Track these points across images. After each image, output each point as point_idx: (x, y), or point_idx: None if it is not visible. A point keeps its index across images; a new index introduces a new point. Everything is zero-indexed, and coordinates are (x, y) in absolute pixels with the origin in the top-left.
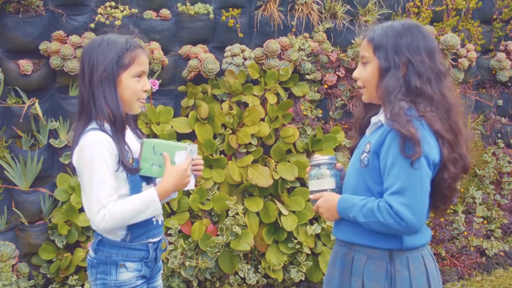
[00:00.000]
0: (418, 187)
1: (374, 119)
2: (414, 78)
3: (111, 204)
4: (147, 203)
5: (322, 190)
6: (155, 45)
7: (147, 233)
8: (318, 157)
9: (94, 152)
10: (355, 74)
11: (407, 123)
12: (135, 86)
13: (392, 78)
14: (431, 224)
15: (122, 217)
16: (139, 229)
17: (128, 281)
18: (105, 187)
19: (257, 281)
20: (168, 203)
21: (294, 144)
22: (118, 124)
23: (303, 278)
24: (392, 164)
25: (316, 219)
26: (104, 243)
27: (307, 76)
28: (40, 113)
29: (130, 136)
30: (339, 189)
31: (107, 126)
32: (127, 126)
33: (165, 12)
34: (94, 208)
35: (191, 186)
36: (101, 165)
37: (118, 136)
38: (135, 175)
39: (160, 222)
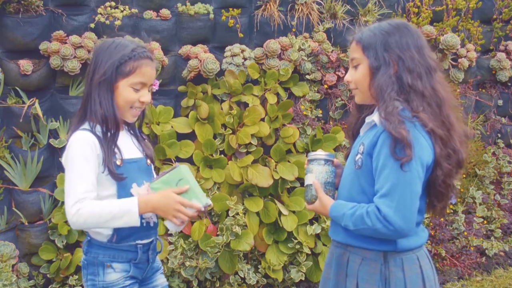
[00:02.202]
0: (407, 190)
1: (367, 119)
2: (405, 74)
3: (88, 201)
4: (123, 210)
5: (307, 185)
6: (155, 45)
7: (134, 235)
8: (312, 153)
9: (76, 149)
10: (346, 77)
11: (399, 124)
12: (129, 96)
13: (384, 75)
14: (431, 224)
15: (96, 218)
16: (125, 230)
17: (116, 282)
18: (83, 182)
19: (257, 281)
20: None
21: (294, 144)
22: (110, 127)
23: (303, 278)
24: (383, 166)
25: (316, 219)
26: (92, 244)
27: (307, 76)
28: (40, 113)
29: (124, 136)
30: (330, 187)
31: (98, 128)
32: (124, 126)
33: (165, 12)
34: (70, 201)
35: (177, 228)
36: (81, 161)
37: (108, 139)
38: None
39: (151, 224)
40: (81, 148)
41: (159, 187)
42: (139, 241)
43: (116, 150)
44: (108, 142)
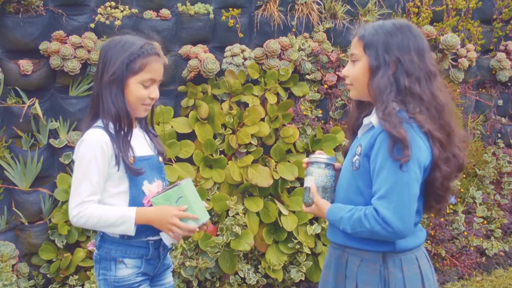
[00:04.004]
0: (406, 192)
1: (365, 120)
2: (403, 77)
3: (92, 205)
4: (122, 220)
5: (306, 188)
6: (155, 45)
7: (146, 231)
8: (313, 155)
9: (87, 149)
10: (344, 72)
11: (398, 124)
12: (140, 93)
13: (383, 76)
14: (431, 224)
15: (95, 222)
16: (138, 226)
17: (127, 278)
18: (88, 184)
19: (257, 281)
20: None
21: (294, 144)
22: (124, 124)
23: (303, 278)
24: (381, 167)
25: (316, 219)
26: (105, 239)
27: (307, 76)
28: (40, 113)
29: (136, 134)
30: (328, 191)
31: (111, 125)
32: (136, 124)
33: (165, 12)
34: (74, 201)
35: (171, 241)
36: (90, 162)
37: (122, 136)
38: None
39: None
40: (92, 149)
41: (159, 202)
42: (150, 238)
43: (129, 148)
44: (123, 140)
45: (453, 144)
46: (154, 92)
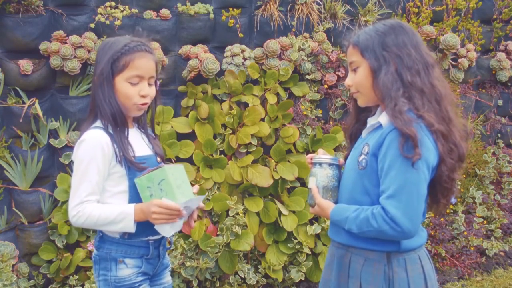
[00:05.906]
0: (415, 192)
1: (371, 120)
2: (405, 72)
3: (90, 204)
4: (121, 217)
5: (309, 189)
6: (155, 45)
7: (146, 231)
8: (317, 156)
9: (87, 149)
10: (347, 82)
11: (408, 122)
12: (127, 91)
13: (387, 74)
14: (431, 224)
15: (94, 221)
16: (138, 226)
17: (128, 278)
18: (88, 184)
19: (257, 281)
20: None
21: (294, 144)
22: (119, 123)
23: (303, 278)
24: (390, 166)
25: (316, 219)
26: (104, 239)
27: (307, 76)
28: (40, 113)
29: (134, 134)
30: (331, 191)
31: (110, 126)
32: (134, 124)
33: (165, 12)
34: (73, 202)
35: (167, 233)
36: (90, 163)
37: (119, 135)
38: (135, 173)
39: None
40: (91, 149)
41: (142, 183)
42: (150, 237)
43: (128, 146)
44: (121, 137)
45: (453, 133)
46: (144, 89)
